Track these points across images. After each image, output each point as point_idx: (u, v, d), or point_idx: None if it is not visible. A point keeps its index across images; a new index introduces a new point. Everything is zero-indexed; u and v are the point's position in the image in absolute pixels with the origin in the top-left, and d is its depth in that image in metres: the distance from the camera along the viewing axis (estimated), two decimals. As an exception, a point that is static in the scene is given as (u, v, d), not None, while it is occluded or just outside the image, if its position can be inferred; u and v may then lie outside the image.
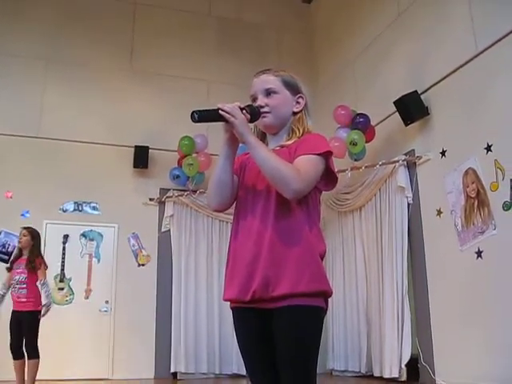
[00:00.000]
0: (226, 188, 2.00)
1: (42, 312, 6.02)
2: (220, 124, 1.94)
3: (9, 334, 6.03)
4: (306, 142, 1.96)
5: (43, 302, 6.03)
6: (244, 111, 1.92)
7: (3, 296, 6.21)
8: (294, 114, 2.08)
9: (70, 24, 8.81)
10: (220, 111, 1.88)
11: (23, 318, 5.94)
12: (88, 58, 8.75)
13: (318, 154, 1.91)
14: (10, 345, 6.03)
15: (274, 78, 2.07)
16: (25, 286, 6.05)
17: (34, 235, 6.33)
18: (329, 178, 2.00)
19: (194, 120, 1.88)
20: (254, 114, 1.97)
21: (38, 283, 6.06)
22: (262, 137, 2.11)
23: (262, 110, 2.01)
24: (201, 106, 2.07)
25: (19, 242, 6.29)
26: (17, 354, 6.02)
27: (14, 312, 6.08)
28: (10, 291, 6.21)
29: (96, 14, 9.02)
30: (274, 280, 1.83)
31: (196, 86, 9.03)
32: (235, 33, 9.65)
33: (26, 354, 6.00)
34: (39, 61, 8.54)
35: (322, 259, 1.92)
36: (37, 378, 7.32)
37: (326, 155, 1.94)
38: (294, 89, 2.09)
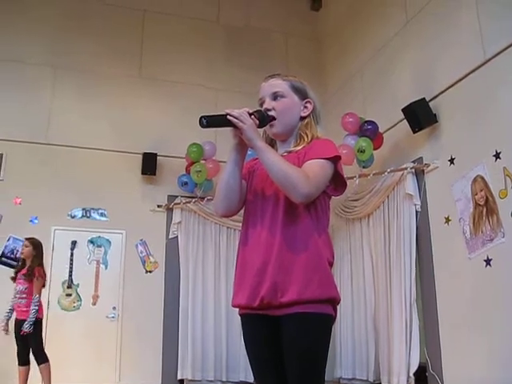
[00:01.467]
0: (234, 194, 1.99)
1: (24, 328, 6.21)
2: (229, 131, 1.94)
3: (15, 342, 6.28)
4: (314, 147, 1.95)
5: (28, 317, 6.23)
6: (253, 116, 1.92)
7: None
8: (302, 118, 2.07)
9: (79, 30, 8.85)
10: (228, 116, 1.88)
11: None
12: (96, 64, 8.79)
13: (327, 159, 1.91)
14: (17, 352, 6.33)
15: (282, 82, 2.08)
16: (25, 295, 6.32)
17: (36, 245, 6.48)
18: (338, 182, 1.99)
19: (202, 125, 1.89)
20: (262, 119, 1.97)
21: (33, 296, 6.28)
22: (271, 142, 2.10)
23: (268, 113, 2.01)
24: (209, 112, 2.07)
25: (21, 253, 6.60)
26: (22, 360, 6.32)
27: (16, 320, 6.40)
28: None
29: (105, 21, 9.06)
30: (283, 286, 1.83)
31: (204, 93, 9.04)
32: (243, 40, 9.67)
33: (36, 361, 6.30)
34: (48, 67, 8.58)
35: (330, 266, 1.91)
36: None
37: (335, 160, 1.94)
38: (301, 93, 2.08)
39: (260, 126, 1.97)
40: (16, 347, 6.32)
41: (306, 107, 2.07)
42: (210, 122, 1.89)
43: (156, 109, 8.87)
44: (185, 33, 9.38)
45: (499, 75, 5.80)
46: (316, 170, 1.88)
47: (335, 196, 2.05)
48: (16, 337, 6.31)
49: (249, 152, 2.00)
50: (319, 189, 1.88)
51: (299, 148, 2.00)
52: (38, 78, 8.50)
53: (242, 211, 2.08)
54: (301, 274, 1.83)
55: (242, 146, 1.96)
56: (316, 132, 2.06)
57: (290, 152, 2.01)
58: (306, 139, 2.03)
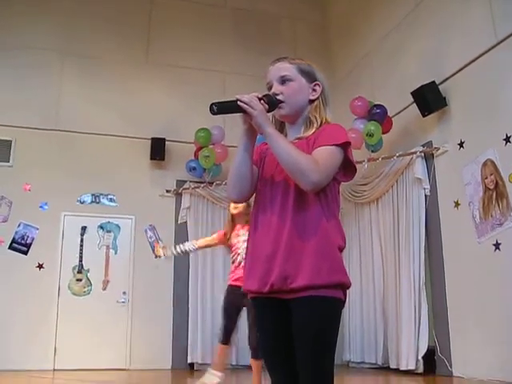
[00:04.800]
0: (245, 179, 1.99)
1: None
2: (237, 115, 1.93)
3: (223, 314, 5.27)
4: (324, 133, 1.94)
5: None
6: (262, 101, 1.92)
7: (187, 253, 5.74)
8: (311, 101, 2.06)
9: (86, 16, 8.85)
10: (238, 102, 1.88)
11: (247, 302, 4.49)
12: (104, 50, 8.78)
13: (337, 145, 1.90)
14: (225, 326, 5.19)
15: (289, 65, 2.06)
16: None
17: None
18: (347, 168, 1.98)
19: (213, 112, 1.88)
20: (271, 103, 1.96)
21: None
22: (281, 127, 2.09)
23: (277, 97, 2.00)
24: (217, 97, 2.06)
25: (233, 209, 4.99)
26: (227, 338, 5.20)
27: (234, 288, 4.98)
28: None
29: (113, 7, 9.03)
30: (293, 273, 1.84)
31: (212, 78, 9.02)
32: (251, 24, 9.61)
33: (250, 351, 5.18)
34: (56, 53, 8.58)
35: (340, 251, 1.91)
36: (55, 367, 7.46)
37: (345, 146, 1.92)
38: (310, 76, 2.06)
39: (269, 111, 1.96)
40: (224, 321, 5.20)
41: (314, 90, 2.06)
42: (220, 108, 1.88)
43: (164, 94, 8.86)
44: (192, 18, 9.35)
45: (510, 57, 5.74)
46: (325, 156, 1.87)
47: (345, 182, 2.04)
48: (227, 308, 5.18)
49: (258, 136, 2.00)
50: (329, 176, 1.87)
51: (309, 134, 1.99)
52: (47, 65, 8.50)
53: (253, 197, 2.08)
54: (310, 260, 1.83)
55: (252, 131, 1.95)
56: (325, 115, 2.04)
57: (300, 138, 2.00)
58: (315, 123, 2.01)
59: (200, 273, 8.15)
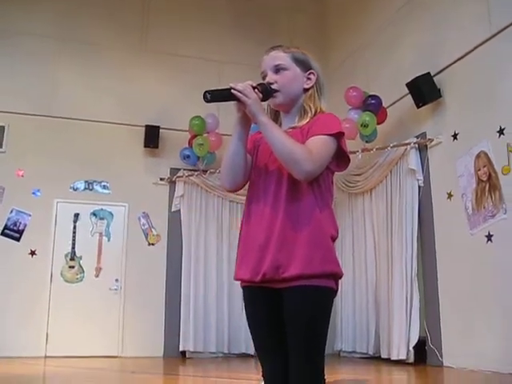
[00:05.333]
0: (239, 168, 1.99)
1: None
2: (231, 104, 1.93)
3: None
4: (318, 123, 1.94)
5: None
6: (256, 90, 1.91)
7: None
8: (305, 90, 2.05)
9: (83, 2, 8.78)
10: (232, 90, 1.87)
11: None
12: (100, 36, 8.73)
13: (330, 135, 1.90)
14: None
15: (283, 54, 2.05)
16: None
17: None
18: (341, 158, 1.98)
19: (206, 100, 1.88)
20: (266, 92, 1.96)
21: None
22: (275, 116, 2.09)
23: (271, 86, 2.00)
24: (212, 86, 2.05)
25: None
26: None
27: None
28: None
29: (109, -7, 8.98)
30: (285, 262, 1.84)
31: (208, 66, 8.99)
32: (248, 13, 9.57)
33: None
34: (52, 39, 8.52)
35: (333, 241, 1.92)
36: (47, 354, 7.47)
37: (338, 136, 1.92)
38: (304, 65, 2.06)
39: (263, 100, 1.95)
40: None
41: (309, 79, 2.05)
42: (213, 96, 1.88)
43: (159, 82, 8.82)
44: (190, 6, 9.30)
45: (506, 50, 5.75)
46: (319, 146, 1.87)
47: (338, 172, 2.05)
48: None
49: (252, 125, 2.00)
50: (322, 165, 1.87)
51: (303, 123, 1.99)
52: (42, 51, 8.45)
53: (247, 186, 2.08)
54: (303, 249, 1.83)
55: (246, 119, 1.95)
56: (320, 104, 2.04)
57: (294, 128, 2.00)
58: (309, 113, 2.01)
59: (193, 261, 8.16)
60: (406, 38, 7.52)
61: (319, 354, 1.87)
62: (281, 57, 2.04)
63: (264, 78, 2.04)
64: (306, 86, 2.05)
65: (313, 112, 2.01)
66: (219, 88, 1.91)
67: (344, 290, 7.95)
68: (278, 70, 2.03)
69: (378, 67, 8.21)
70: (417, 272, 6.80)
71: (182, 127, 8.34)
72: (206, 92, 1.87)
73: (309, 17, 9.99)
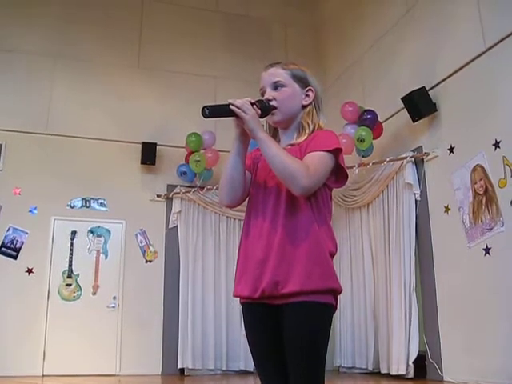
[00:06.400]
0: (238, 183, 1.99)
1: None
2: (228, 120, 1.94)
3: None
4: (316, 139, 1.95)
5: None
6: (254, 106, 1.92)
7: None
8: (304, 107, 2.07)
9: (78, 20, 8.82)
10: (231, 106, 1.88)
11: None
12: (96, 54, 8.76)
13: (328, 151, 1.90)
14: None
15: (282, 71, 2.06)
16: None
17: None
18: (339, 175, 1.99)
19: (204, 115, 1.88)
20: (264, 109, 1.97)
21: None
22: (274, 133, 2.10)
23: (270, 103, 2.01)
24: (208, 102, 2.06)
25: None
26: None
27: None
28: None
29: (104, 10, 9.02)
30: (283, 278, 1.84)
31: (203, 82, 9.02)
32: (242, 28, 9.63)
33: None
34: (47, 57, 8.55)
35: (332, 257, 1.92)
36: (44, 373, 7.41)
37: (336, 152, 1.93)
38: (303, 82, 2.07)
39: (262, 116, 1.96)
40: None
41: (307, 95, 2.06)
42: (212, 111, 1.89)
43: (155, 98, 8.85)
44: (184, 22, 9.35)
45: (499, 64, 5.79)
46: (316, 162, 1.88)
47: (336, 188, 2.05)
48: None
49: (251, 141, 2.00)
50: (319, 181, 1.88)
51: (301, 140, 2.00)
52: (38, 68, 8.47)
53: (246, 202, 2.08)
54: (302, 265, 1.83)
55: (245, 136, 1.96)
56: (318, 121, 2.05)
57: (292, 145, 2.01)
58: (307, 129, 2.02)
59: (190, 278, 8.12)
60: (401, 53, 7.57)
61: (319, 370, 1.86)
62: (279, 73, 2.06)
63: (263, 95, 2.05)
64: (305, 103, 2.07)
65: (311, 129, 2.02)
66: (218, 103, 1.92)
67: (342, 304, 7.93)
68: (276, 86, 2.04)
69: (373, 81, 8.25)
70: (415, 286, 6.79)
71: (179, 144, 8.35)
72: (204, 107, 1.87)
73: (303, 31, 10.05)
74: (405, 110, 6.91)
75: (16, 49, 8.38)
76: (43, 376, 7.44)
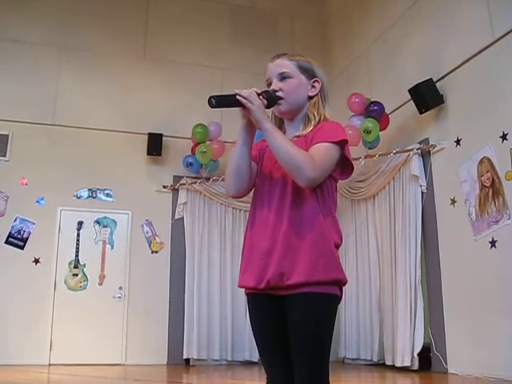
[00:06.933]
0: (244, 175, 1.99)
1: None
2: (234, 111, 1.94)
3: None
4: (321, 131, 1.95)
5: None
6: (261, 97, 1.92)
7: None
8: (310, 98, 2.06)
9: (84, 11, 8.82)
10: (237, 96, 1.88)
11: None
12: (102, 45, 8.76)
13: (334, 143, 1.90)
14: None
15: (288, 62, 2.06)
16: None
17: None
18: (344, 166, 1.99)
19: (211, 105, 1.88)
20: (270, 99, 1.96)
21: None
22: (279, 124, 2.10)
23: (276, 93, 2.00)
24: (214, 92, 2.06)
25: None
26: None
27: None
28: None
29: (110, 2, 9.01)
30: (289, 270, 1.84)
31: (210, 74, 9.01)
32: (249, 20, 9.61)
33: None
34: (53, 48, 8.56)
35: (337, 248, 1.92)
36: (50, 362, 7.47)
37: (342, 143, 1.93)
38: (309, 73, 2.06)
39: (268, 107, 1.96)
40: None
41: (313, 87, 2.06)
42: (219, 101, 1.89)
43: (161, 89, 8.85)
44: (190, 13, 9.34)
45: (508, 55, 5.75)
46: (322, 153, 1.87)
47: (342, 180, 2.05)
48: None
49: (257, 132, 2.00)
50: (325, 173, 1.88)
51: (307, 132, 1.99)
52: (44, 59, 8.49)
53: (252, 193, 2.08)
54: (307, 256, 1.84)
55: (251, 126, 1.96)
56: (324, 112, 2.05)
57: (298, 137, 2.01)
58: (313, 121, 2.01)
59: (196, 268, 8.15)
60: (408, 44, 7.54)
61: (324, 361, 1.86)
62: (286, 65, 2.05)
63: (269, 86, 2.05)
64: (311, 94, 2.06)
65: (317, 120, 2.02)
66: (224, 94, 1.92)
67: (348, 296, 7.94)
68: (283, 77, 2.03)
69: (380, 73, 8.22)
70: (421, 278, 6.79)
71: (185, 135, 8.36)
72: (211, 97, 1.87)
73: (310, 23, 10.02)
74: (411, 101, 6.89)
75: (21, 39, 8.39)
76: (50, 365, 7.50)
